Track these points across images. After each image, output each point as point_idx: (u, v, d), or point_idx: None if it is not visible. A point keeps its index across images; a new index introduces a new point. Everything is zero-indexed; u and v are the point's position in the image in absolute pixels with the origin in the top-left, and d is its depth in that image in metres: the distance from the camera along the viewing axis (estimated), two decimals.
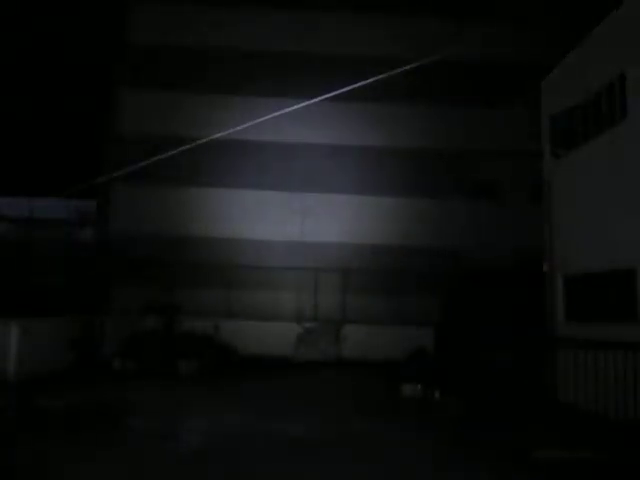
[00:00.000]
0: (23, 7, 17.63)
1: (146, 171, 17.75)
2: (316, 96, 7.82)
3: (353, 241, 17.58)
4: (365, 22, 18.47)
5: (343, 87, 7.31)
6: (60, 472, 5.80)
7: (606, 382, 7.97)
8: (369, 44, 18.19)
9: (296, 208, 17.68)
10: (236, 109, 17.64)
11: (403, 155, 17.92)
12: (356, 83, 7.26)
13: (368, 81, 7.09)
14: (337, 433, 7.81)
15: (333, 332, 16.89)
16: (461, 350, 12.77)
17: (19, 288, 15.66)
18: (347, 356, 16.45)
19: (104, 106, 18.19)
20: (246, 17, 18.41)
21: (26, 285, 15.99)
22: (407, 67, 6.79)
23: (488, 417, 8.86)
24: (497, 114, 18.15)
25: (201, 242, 17.27)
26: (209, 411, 8.98)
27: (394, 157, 17.90)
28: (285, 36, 18.36)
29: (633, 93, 9.51)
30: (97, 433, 7.45)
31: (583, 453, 6.64)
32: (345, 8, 18.50)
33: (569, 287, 11.71)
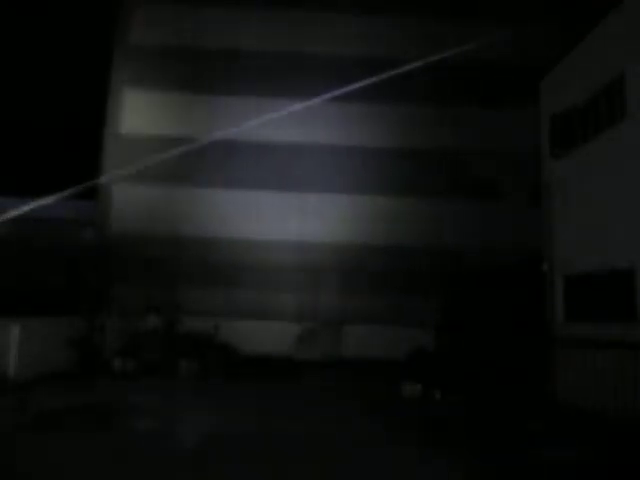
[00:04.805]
0: (24, 7, 17.63)
1: (146, 171, 17.82)
2: (315, 96, 7.83)
3: (353, 241, 17.58)
4: (365, 22, 18.47)
5: (343, 87, 7.32)
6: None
7: (605, 381, 7.97)
8: (369, 44, 18.20)
9: (296, 208, 17.69)
10: (236, 109, 17.66)
11: (403, 155, 17.93)
12: (356, 83, 7.27)
13: (368, 82, 7.11)
14: (336, 433, 7.81)
15: (333, 332, 16.90)
16: (461, 350, 12.78)
17: (19, 288, 15.66)
18: (347, 356, 16.47)
19: (105, 106, 18.19)
20: (247, 17, 18.41)
21: (26, 285, 15.98)
22: (407, 68, 6.80)
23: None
24: (497, 114, 18.15)
25: (201, 242, 17.28)
26: (209, 412, 8.98)
27: (394, 157, 17.91)
28: (285, 36, 18.36)
29: (633, 93, 9.52)
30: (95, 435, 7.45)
31: None
32: (344, 8, 18.51)
33: (569, 287, 11.72)
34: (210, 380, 12.27)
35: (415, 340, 15.55)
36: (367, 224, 17.68)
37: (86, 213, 18.20)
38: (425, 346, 15.16)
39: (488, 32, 17.65)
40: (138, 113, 17.90)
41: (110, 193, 17.58)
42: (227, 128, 17.44)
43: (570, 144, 11.79)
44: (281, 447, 6.97)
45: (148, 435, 7.38)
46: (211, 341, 14.36)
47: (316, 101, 7.71)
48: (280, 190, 17.77)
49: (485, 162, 18.12)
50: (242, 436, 7.43)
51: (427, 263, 17.38)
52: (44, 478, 5.64)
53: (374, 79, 6.97)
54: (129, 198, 17.50)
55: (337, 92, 7.23)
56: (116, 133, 17.94)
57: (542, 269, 12.87)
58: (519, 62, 17.66)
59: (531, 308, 13.61)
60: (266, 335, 16.38)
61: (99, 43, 18.00)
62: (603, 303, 10.20)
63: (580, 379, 8.51)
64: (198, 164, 17.44)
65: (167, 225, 17.21)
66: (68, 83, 17.83)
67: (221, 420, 8.32)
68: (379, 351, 15.93)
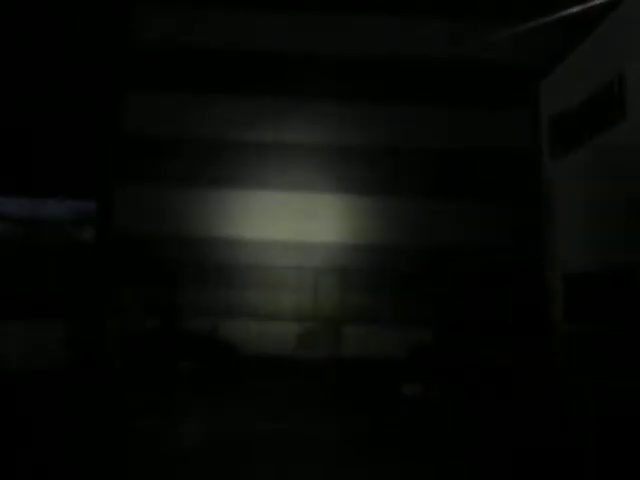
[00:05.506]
0: (28, 6, 17.62)
1: (148, 171, 17.83)
2: (315, 96, 7.85)
3: (353, 241, 17.59)
4: (364, 22, 18.47)
5: (342, 87, 7.33)
6: None
7: (604, 380, 7.98)
8: (369, 44, 18.20)
9: (294, 208, 17.70)
10: (237, 109, 17.66)
11: (403, 155, 17.94)
12: (355, 83, 7.28)
13: (367, 81, 7.12)
14: (336, 433, 7.82)
15: (333, 332, 16.91)
16: (462, 350, 12.80)
17: (19, 288, 15.67)
18: (347, 356, 16.47)
19: (107, 106, 18.19)
20: (247, 17, 18.42)
21: (26, 285, 16.00)
22: (406, 67, 6.81)
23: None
24: (497, 114, 18.16)
25: (201, 242, 17.29)
26: (210, 412, 8.99)
27: (394, 157, 17.92)
28: (286, 36, 18.37)
29: (632, 93, 9.53)
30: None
31: None
32: (342, 9, 18.52)
33: (569, 287, 11.72)
34: (210, 380, 12.26)
35: (415, 340, 15.57)
36: (367, 224, 17.70)
37: (86, 213, 18.21)
38: (425, 346, 15.18)
39: (488, 32, 17.66)
40: (139, 113, 17.90)
41: (112, 193, 17.60)
42: (228, 128, 17.44)
43: (570, 144, 11.80)
44: (281, 448, 6.98)
45: (144, 435, 7.39)
46: (211, 341, 14.37)
47: (316, 101, 7.72)
48: (280, 190, 17.78)
49: (485, 162, 18.13)
50: (241, 436, 7.44)
51: (427, 263, 17.39)
52: None
53: (372, 79, 6.97)
54: (129, 198, 17.51)
55: (336, 92, 7.22)
56: (117, 133, 17.95)
57: (542, 269, 12.88)
58: (520, 62, 17.67)
59: (531, 308, 13.63)
60: (266, 335, 16.38)
61: (103, 42, 18.01)
62: (603, 303, 10.21)
63: (577, 378, 8.52)
64: (200, 164, 17.45)
65: (168, 225, 17.22)
66: (71, 82, 17.84)
67: (220, 421, 8.33)
68: (379, 351, 15.94)
